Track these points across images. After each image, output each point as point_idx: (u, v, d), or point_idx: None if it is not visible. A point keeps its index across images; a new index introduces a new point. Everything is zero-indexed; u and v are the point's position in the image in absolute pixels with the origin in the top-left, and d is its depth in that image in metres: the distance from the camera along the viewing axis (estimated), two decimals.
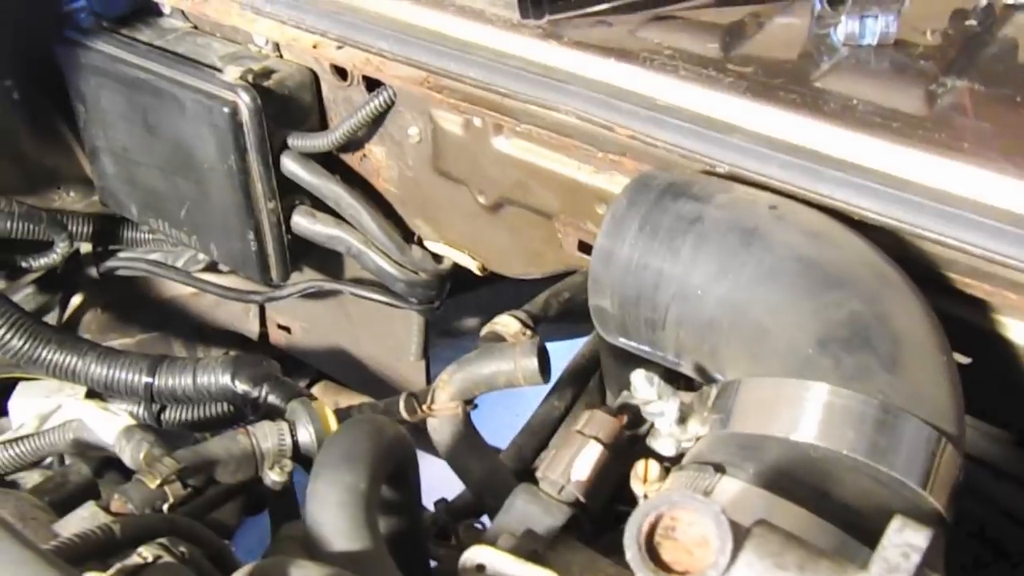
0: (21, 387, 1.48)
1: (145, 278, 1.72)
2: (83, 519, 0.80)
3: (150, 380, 1.40)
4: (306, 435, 1.00)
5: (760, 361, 0.78)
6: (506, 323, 1.07)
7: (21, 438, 1.17)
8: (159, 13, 1.43)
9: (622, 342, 0.90)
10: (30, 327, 1.40)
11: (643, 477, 0.77)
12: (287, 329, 1.74)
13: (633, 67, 0.94)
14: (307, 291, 1.46)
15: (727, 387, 0.78)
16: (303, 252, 1.40)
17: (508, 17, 1.05)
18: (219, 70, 1.27)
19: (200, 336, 1.83)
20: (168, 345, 1.82)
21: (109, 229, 1.59)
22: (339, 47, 1.21)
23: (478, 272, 1.31)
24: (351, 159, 1.33)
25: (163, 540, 0.76)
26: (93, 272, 1.60)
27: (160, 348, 1.80)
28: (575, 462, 0.84)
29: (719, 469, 0.71)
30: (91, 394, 1.46)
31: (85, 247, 1.56)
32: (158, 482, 0.87)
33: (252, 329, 1.79)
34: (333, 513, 0.72)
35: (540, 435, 1.21)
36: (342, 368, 1.70)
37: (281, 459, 0.96)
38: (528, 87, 0.99)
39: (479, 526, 1.00)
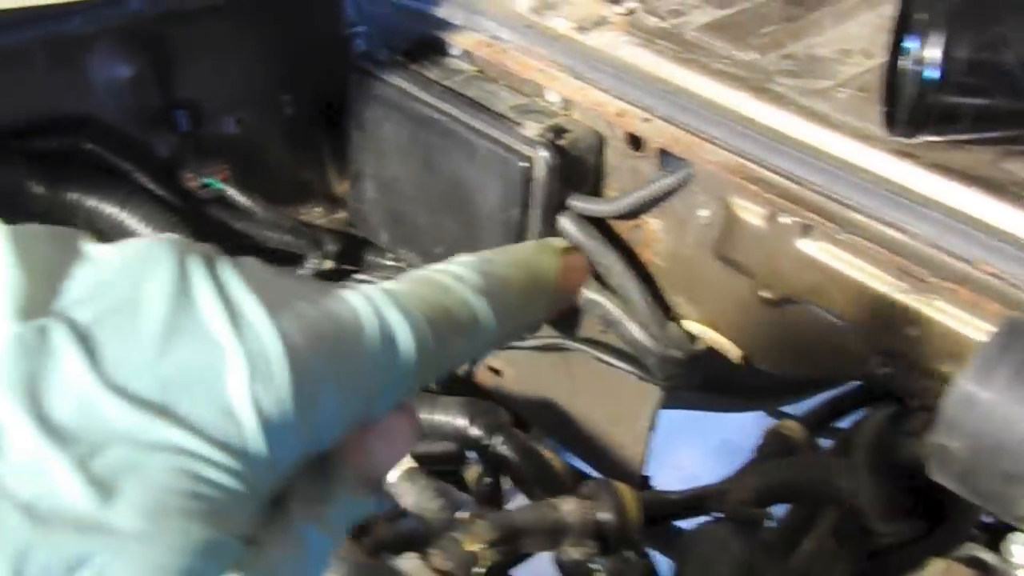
0: None
1: None
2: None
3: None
4: (609, 517, 0.99)
5: None
6: (792, 427, 1.05)
7: None
8: (442, 52, 1.46)
9: (957, 486, 0.87)
10: None
11: None
12: (497, 371, 1.75)
13: (1001, 201, 0.91)
14: (547, 346, 1.46)
15: None
16: None
17: (857, 126, 1.03)
18: (515, 122, 1.28)
19: None
20: None
21: (349, 250, 1.63)
22: (646, 119, 1.21)
23: (737, 361, 1.29)
24: (621, 225, 1.33)
25: None
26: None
27: None
28: None
29: None
30: None
31: (327, 264, 1.60)
32: (478, 546, 0.87)
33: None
34: None
35: None
36: (549, 420, 1.69)
37: (583, 538, 0.96)
38: (873, 201, 0.97)
39: None
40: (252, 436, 0.48)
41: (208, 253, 0.53)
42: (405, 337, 0.55)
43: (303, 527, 0.54)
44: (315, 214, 1.67)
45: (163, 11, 1.31)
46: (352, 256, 1.63)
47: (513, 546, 0.93)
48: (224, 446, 0.48)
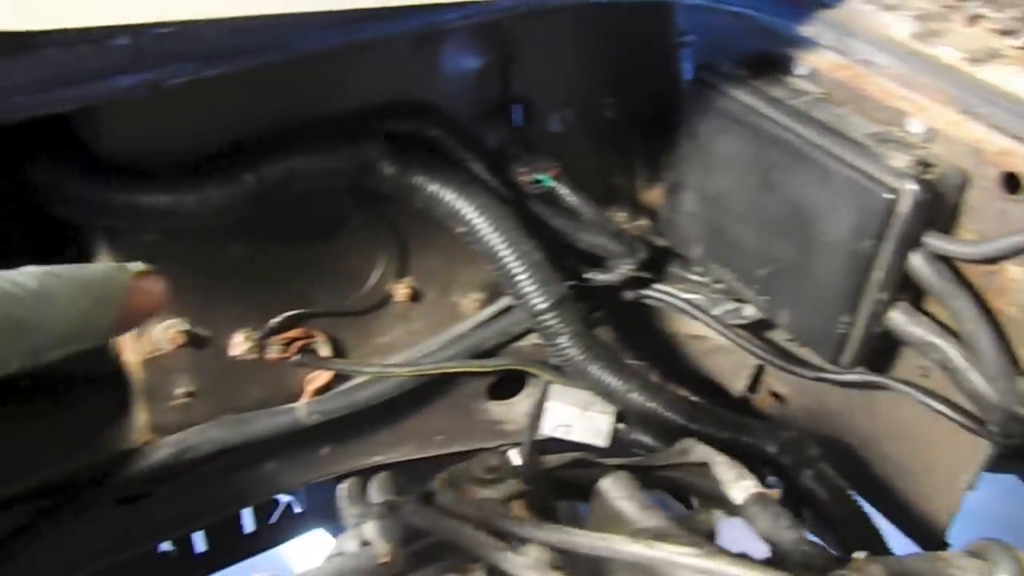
0: (555, 391, 1.54)
1: (651, 307, 1.74)
2: None
3: (687, 424, 1.41)
4: None
5: None
6: None
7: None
8: (783, 69, 1.42)
9: None
10: (587, 340, 1.45)
11: None
12: (779, 397, 1.70)
13: None
14: (853, 382, 1.41)
15: None
16: (876, 345, 1.35)
17: None
18: (876, 151, 1.24)
19: (675, 376, 1.83)
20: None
21: (652, 259, 1.62)
22: None
23: None
24: (974, 269, 1.26)
25: None
26: (628, 295, 1.64)
27: None
28: None
29: None
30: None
31: (632, 271, 1.60)
32: None
33: (735, 385, 1.77)
34: None
35: None
36: (837, 457, 1.63)
37: None
38: None
39: None
40: None
41: None
42: None
43: None
44: (618, 220, 1.67)
45: (525, 10, 1.33)
46: (655, 266, 1.62)
47: None
48: None
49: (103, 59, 1.09)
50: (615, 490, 1.02)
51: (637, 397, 1.43)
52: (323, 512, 1.89)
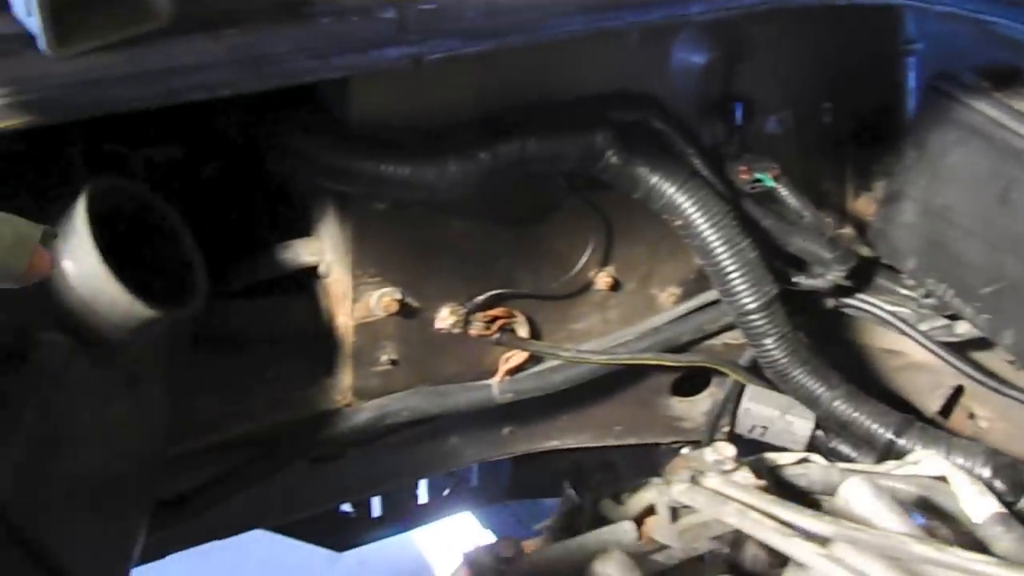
0: (753, 392, 1.53)
1: (846, 316, 1.71)
2: None
3: (894, 438, 1.38)
4: None
5: None
6: None
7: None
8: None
9: None
10: (794, 343, 1.44)
11: None
12: (975, 417, 1.65)
13: None
14: None
15: None
16: None
17: None
18: None
19: (863, 390, 1.79)
20: None
21: (859, 269, 1.59)
22: None
23: None
24: None
25: None
26: (829, 303, 1.61)
27: None
28: None
29: None
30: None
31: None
32: None
33: (928, 405, 1.72)
34: None
35: None
36: None
37: None
38: None
39: None
40: None
41: None
42: None
43: None
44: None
45: (768, 8, 1.32)
46: (860, 276, 1.59)
47: None
48: None
49: (371, 31, 1.13)
50: (860, 494, 1.01)
51: (842, 406, 1.41)
52: (496, 491, 1.93)
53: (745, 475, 1.05)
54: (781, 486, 1.14)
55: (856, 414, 1.40)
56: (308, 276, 1.49)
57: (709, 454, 1.09)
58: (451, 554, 3.40)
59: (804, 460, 1.19)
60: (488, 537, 3.12)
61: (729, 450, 1.11)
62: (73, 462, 1.08)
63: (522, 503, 2.23)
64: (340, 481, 1.66)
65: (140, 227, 1.25)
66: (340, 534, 1.87)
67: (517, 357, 1.58)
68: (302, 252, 1.46)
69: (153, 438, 1.25)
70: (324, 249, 1.44)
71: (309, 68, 1.11)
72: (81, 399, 1.10)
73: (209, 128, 1.43)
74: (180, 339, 1.36)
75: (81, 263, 1.12)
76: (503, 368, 1.58)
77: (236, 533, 1.61)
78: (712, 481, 1.00)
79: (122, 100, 1.04)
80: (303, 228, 1.50)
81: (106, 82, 1.03)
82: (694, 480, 1.02)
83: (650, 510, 1.03)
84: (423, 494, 1.97)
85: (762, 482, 1.05)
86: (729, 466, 1.07)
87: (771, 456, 1.21)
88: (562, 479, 1.67)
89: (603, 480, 1.23)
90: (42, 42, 0.96)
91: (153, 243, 1.26)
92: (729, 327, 1.62)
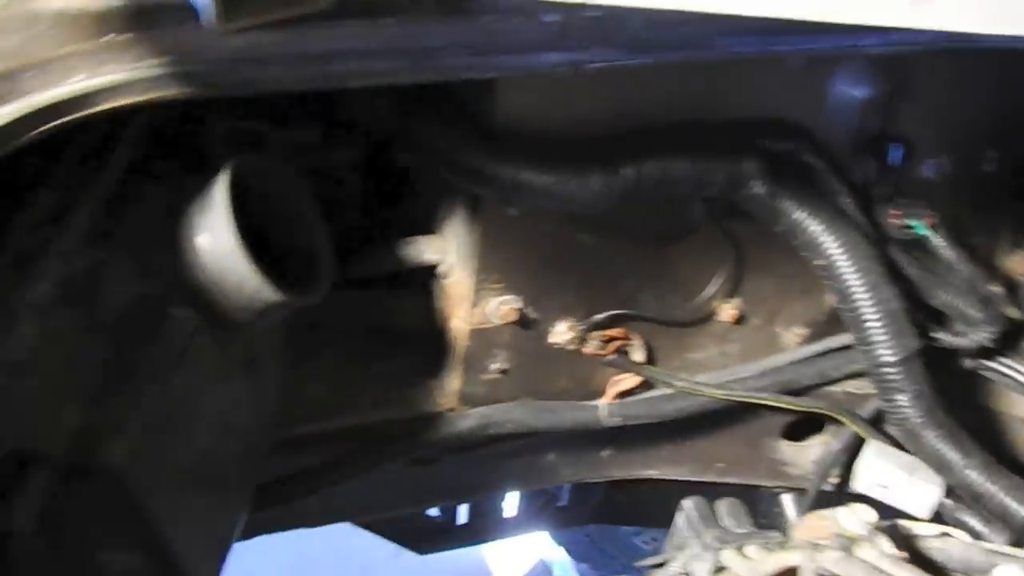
0: (876, 448, 1.45)
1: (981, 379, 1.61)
2: None
3: None
4: None
5: None
6: None
7: None
8: None
9: None
10: (930, 403, 1.36)
11: None
12: None
13: None
14: None
15: None
16: None
17: None
18: None
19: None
20: None
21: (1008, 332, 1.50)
22: None
23: None
24: None
25: None
26: (968, 364, 1.53)
27: None
28: None
29: None
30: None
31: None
32: None
33: None
34: None
35: None
36: None
37: None
38: None
39: None
40: None
41: None
42: None
43: None
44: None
45: (944, 44, 1.24)
46: (1007, 338, 1.50)
47: None
48: None
49: (533, 33, 1.09)
50: None
51: (977, 476, 1.33)
52: (584, 513, 1.88)
53: (889, 546, 0.98)
54: (918, 559, 1.06)
55: (992, 487, 1.31)
56: (426, 274, 1.46)
57: (849, 517, 1.02)
58: (513, 563, 3.38)
59: (945, 534, 1.11)
60: (561, 554, 3.08)
61: (871, 515, 1.04)
62: (187, 439, 1.07)
63: None
64: (433, 485, 1.63)
65: (273, 208, 1.23)
66: (424, 537, 1.85)
67: (629, 381, 1.53)
68: (425, 249, 1.43)
69: (263, 422, 1.23)
70: (448, 249, 1.41)
71: (467, 65, 1.07)
72: (201, 377, 1.09)
73: (343, 115, 1.41)
74: (295, 324, 1.34)
75: (216, 239, 1.11)
76: (612, 390, 1.53)
77: (324, 524, 1.60)
78: (868, 554, 0.94)
79: (278, 80, 1.02)
80: (425, 225, 1.47)
81: (265, 61, 1.02)
82: (846, 548, 0.95)
83: (790, 573, 0.96)
84: (511, 506, 1.94)
85: (904, 554, 0.98)
86: (873, 534, 1.00)
87: (906, 524, 1.13)
88: (655, 509, 1.61)
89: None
90: (209, 15, 0.95)
91: (283, 226, 1.24)
92: (854, 375, 1.55)
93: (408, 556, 3.51)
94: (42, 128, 0.95)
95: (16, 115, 0.92)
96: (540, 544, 3.23)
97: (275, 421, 1.28)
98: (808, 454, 1.69)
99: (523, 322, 1.43)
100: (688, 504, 1.16)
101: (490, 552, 3.38)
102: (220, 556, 1.13)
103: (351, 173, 1.50)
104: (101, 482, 0.94)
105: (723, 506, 1.11)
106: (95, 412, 0.96)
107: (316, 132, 1.40)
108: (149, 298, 1.07)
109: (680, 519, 1.14)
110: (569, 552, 2.72)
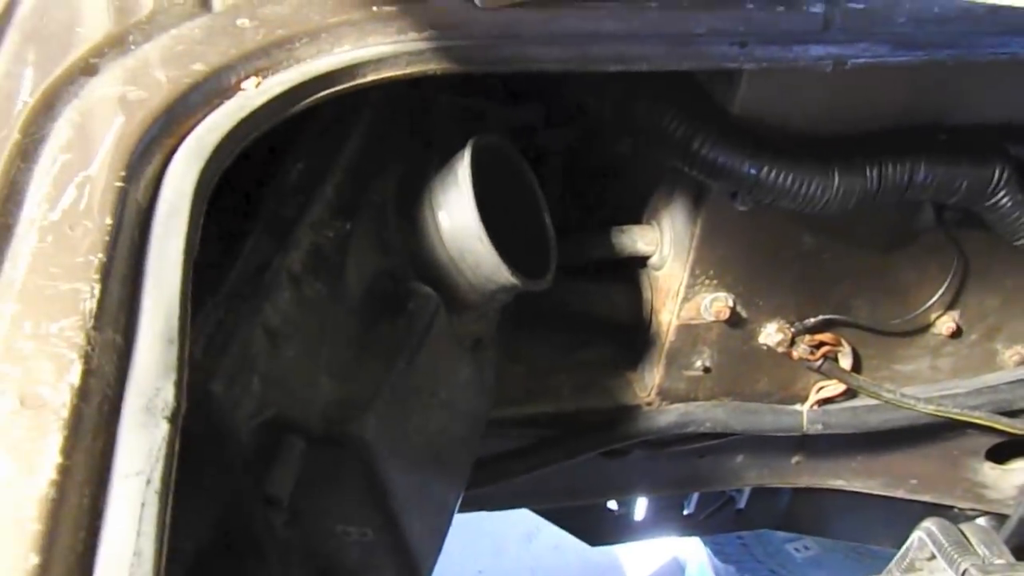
0: None
1: None
2: None
3: None
4: None
5: None
6: None
7: None
8: None
9: None
10: None
11: None
12: None
13: None
14: None
15: None
16: None
17: None
18: None
19: None
20: None
21: None
22: None
23: None
24: None
25: None
26: None
27: None
28: None
29: None
30: None
31: None
32: None
33: None
34: None
35: None
36: None
37: None
38: None
39: None
40: None
41: None
42: None
43: None
44: None
45: None
46: None
47: None
48: None
49: (796, 24, 1.05)
50: None
51: None
52: (765, 518, 1.83)
53: None
54: None
55: None
56: (635, 265, 1.43)
57: None
58: (645, 558, 3.34)
59: None
60: (696, 552, 3.03)
61: None
62: (424, 418, 1.07)
63: None
64: (620, 478, 1.61)
65: (501, 189, 1.22)
66: (599, 529, 1.83)
67: (833, 388, 1.48)
68: (639, 239, 1.40)
69: (484, 403, 1.23)
70: (664, 241, 1.38)
71: (727, 55, 1.04)
72: (438, 357, 1.09)
73: (567, 97, 1.39)
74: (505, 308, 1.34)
75: (457, 218, 1.11)
76: (815, 396, 1.48)
77: (509, 508, 1.59)
78: None
79: (537, 59, 1.01)
80: (632, 214, 1.44)
81: (525, 39, 1.01)
82: None
83: None
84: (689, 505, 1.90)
85: None
86: None
87: None
88: (840, 520, 1.55)
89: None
90: None
91: (510, 208, 1.23)
92: None
93: (540, 542, 3.50)
94: (313, 97, 0.96)
95: (293, 82, 0.93)
96: (673, 541, 3.18)
97: (492, 405, 1.28)
98: (1012, 479, 1.61)
99: (733, 320, 1.39)
100: (932, 527, 1.11)
101: (622, 545, 3.35)
102: (441, 534, 1.13)
103: (556, 157, 1.48)
104: (350, 455, 0.95)
105: (974, 532, 1.06)
106: (348, 385, 0.97)
107: (539, 112, 1.39)
108: (391, 273, 1.08)
109: (916, 540, 1.08)
110: (716, 553, 2.67)
